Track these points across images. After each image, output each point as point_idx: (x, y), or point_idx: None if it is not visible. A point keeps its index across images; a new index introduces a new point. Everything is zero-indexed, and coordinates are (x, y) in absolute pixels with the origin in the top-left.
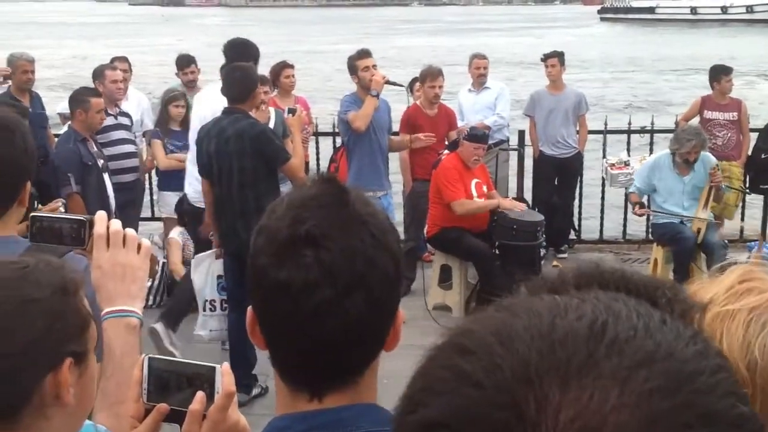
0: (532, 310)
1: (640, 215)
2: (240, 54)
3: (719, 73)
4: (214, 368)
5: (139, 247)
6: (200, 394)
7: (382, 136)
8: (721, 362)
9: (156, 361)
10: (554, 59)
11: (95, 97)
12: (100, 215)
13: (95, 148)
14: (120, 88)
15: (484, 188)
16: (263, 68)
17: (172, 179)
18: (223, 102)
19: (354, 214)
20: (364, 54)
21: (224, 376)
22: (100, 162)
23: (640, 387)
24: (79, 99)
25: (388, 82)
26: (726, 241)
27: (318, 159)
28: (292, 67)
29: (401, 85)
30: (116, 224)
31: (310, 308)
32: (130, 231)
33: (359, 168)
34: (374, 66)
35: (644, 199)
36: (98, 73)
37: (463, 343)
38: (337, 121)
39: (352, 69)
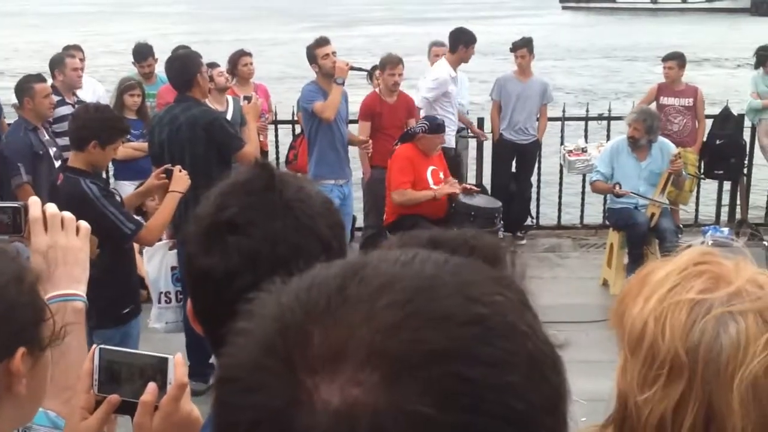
0: (310, 273)
1: (622, 195)
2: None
3: (663, 60)
4: (166, 359)
5: (78, 229)
6: (152, 385)
7: (342, 126)
8: (478, 279)
9: (107, 351)
10: (524, 50)
11: (39, 83)
12: (33, 200)
13: (47, 137)
14: (80, 76)
15: (441, 175)
16: (222, 56)
17: (129, 169)
18: None
19: (280, 199)
20: (323, 42)
21: (177, 367)
22: (53, 150)
23: (379, 305)
24: (23, 87)
25: (352, 68)
26: (681, 226)
27: (277, 147)
28: (250, 55)
29: (366, 70)
30: (52, 207)
31: (232, 295)
32: (67, 213)
33: (321, 157)
34: (333, 53)
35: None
36: (58, 62)
37: (250, 310)
38: (296, 109)
39: (312, 58)
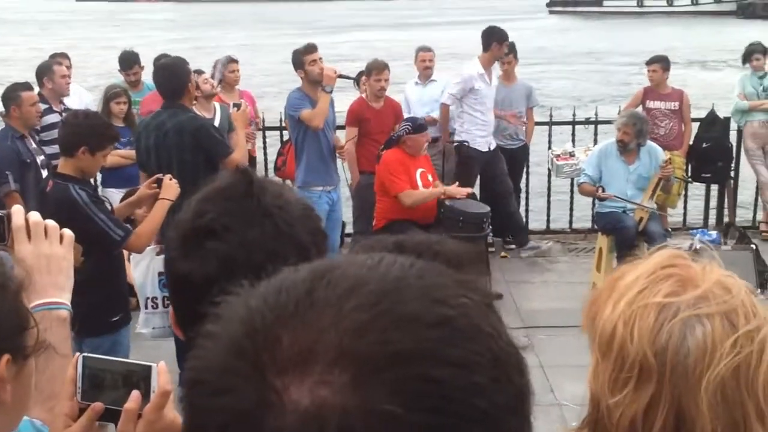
0: (278, 276)
1: (605, 198)
2: (490, 36)
3: (647, 63)
4: (150, 367)
5: (61, 237)
6: (135, 393)
7: (330, 132)
8: (443, 282)
9: (90, 359)
10: (509, 56)
11: (26, 91)
12: (16, 208)
13: (34, 145)
14: (68, 83)
15: (429, 177)
16: (210, 63)
17: (116, 176)
18: None
19: (259, 205)
20: (311, 48)
21: (160, 375)
22: (40, 159)
23: (346, 307)
24: (10, 95)
25: (340, 76)
26: (669, 230)
27: (265, 153)
28: (236, 61)
29: (352, 78)
30: (35, 216)
31: (209, 300)
32: (50, 222)
33: (309, 164)
34: (320, 59)
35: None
36: (46, 69)
37: (218, 313)
38: (284, 116)
39: (298, 63)
